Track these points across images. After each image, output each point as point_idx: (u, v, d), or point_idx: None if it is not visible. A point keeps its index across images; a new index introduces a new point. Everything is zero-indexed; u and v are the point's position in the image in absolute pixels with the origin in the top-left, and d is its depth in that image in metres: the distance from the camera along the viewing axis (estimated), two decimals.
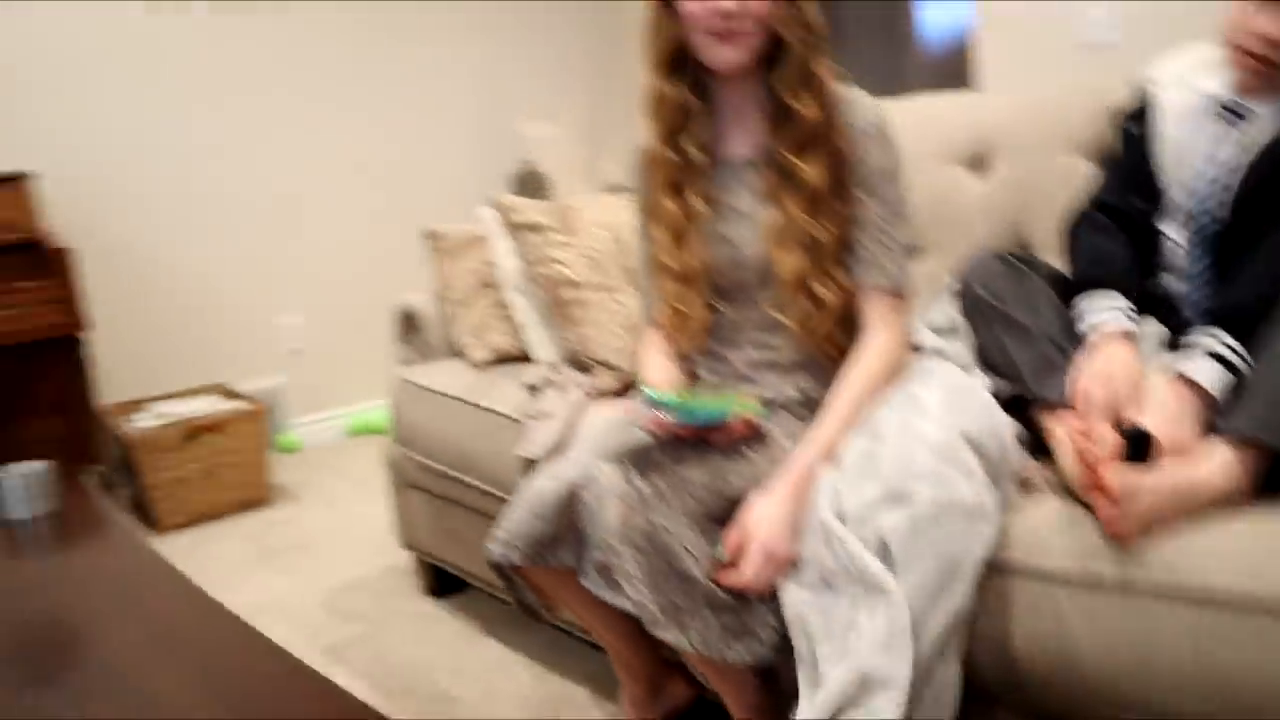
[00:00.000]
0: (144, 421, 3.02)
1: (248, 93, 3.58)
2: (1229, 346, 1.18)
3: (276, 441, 3.72)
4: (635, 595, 1.19)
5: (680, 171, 1.50)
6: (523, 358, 2.14)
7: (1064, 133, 1.89)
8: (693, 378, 1.58)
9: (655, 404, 1.29)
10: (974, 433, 1.19)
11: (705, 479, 1.31)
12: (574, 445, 1.39)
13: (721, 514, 1.31)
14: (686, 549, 1.24)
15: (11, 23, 3.06)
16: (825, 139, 1.41)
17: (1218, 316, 1.23)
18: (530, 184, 4.21)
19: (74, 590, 1.23)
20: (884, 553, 1.14)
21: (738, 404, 1.34)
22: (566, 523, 1.27)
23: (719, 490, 1.32)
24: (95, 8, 3.22)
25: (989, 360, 1.36)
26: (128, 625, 1.14)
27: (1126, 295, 1.34)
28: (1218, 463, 1.10)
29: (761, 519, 1.27)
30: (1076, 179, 1.81)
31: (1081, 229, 1.47)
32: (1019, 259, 1.43)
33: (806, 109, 1.40)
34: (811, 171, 1.40)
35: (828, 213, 1.42)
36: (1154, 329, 1.37)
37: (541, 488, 1.29)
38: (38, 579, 1.27)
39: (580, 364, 1.95)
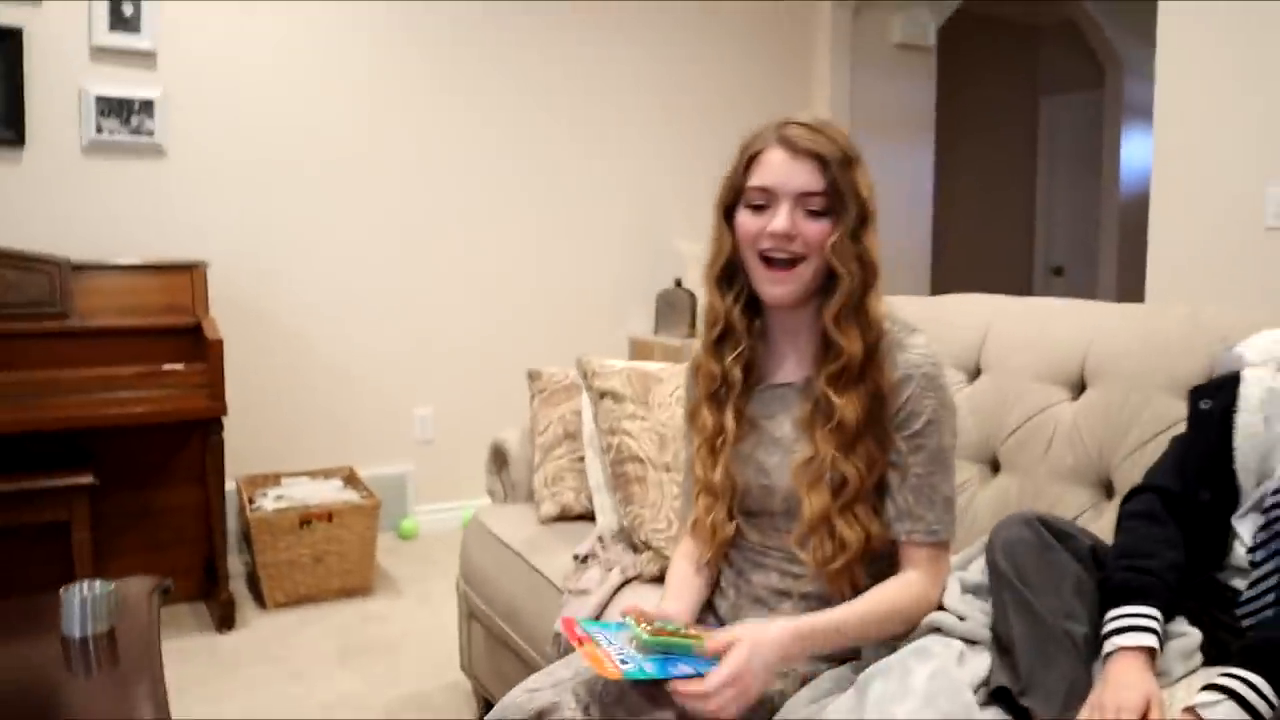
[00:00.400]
0: (268, 501, 3.23)
1: (404, 200, 3.83)
2: (1255, 689, 1.07)
3: (398, 526, 3.89)
4: None
5: (719, 385, 1.51)
6: (588, 517, 2.17)
7: (1170, 370, 1.78)
8: (716, 587, 1.56)
9: (636, 641, 1.28)
10: None
11: None
12: (559, 664, 1.39)
13: None
14: None
15: (190, 127, 3.41)
16: (865, 377, 1.39)
17: (1258, 649, 1.12)
18: (676, 303, 4.28)
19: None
20: None
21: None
22: None
23: None
24: (266, 116, 3.55)
25: (997, 631, 1.29)
26: None
27: (1161, 599, 1.24)
28: None
29: (757, 635, 1.26)
30: (1171, 422, 1.70)
31: (1130, 514, 1.37)
32: (1053, 529, 1.34)
33: (850, 343, 1.38)
34: (847, 408, 1.38)
35: (860, 452, 1.39)
36: (1192, 640, 1.25)
37: (515, 701, 1.31)
38: (30, 700, 1.38)
39: (631, 542, 1.96)
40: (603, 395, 2.11)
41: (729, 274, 1.48)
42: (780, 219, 1.38)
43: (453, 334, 3.98)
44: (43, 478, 2.65)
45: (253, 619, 3.08)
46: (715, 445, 1.50)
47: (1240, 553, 1.31)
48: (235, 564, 3.42)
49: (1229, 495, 1.30)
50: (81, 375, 2.77)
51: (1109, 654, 1.20)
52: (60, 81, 3.19)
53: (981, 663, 1.27)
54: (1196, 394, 1.40)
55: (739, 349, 1.49)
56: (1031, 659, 1.22)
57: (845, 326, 1.39)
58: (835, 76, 4.77)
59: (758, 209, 1.41)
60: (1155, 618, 1.21)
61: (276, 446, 3.62)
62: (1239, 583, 1.31)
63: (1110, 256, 6.14)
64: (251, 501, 3.26)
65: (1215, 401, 1.35)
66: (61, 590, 1.60)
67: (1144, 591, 1.23)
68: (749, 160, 1.44)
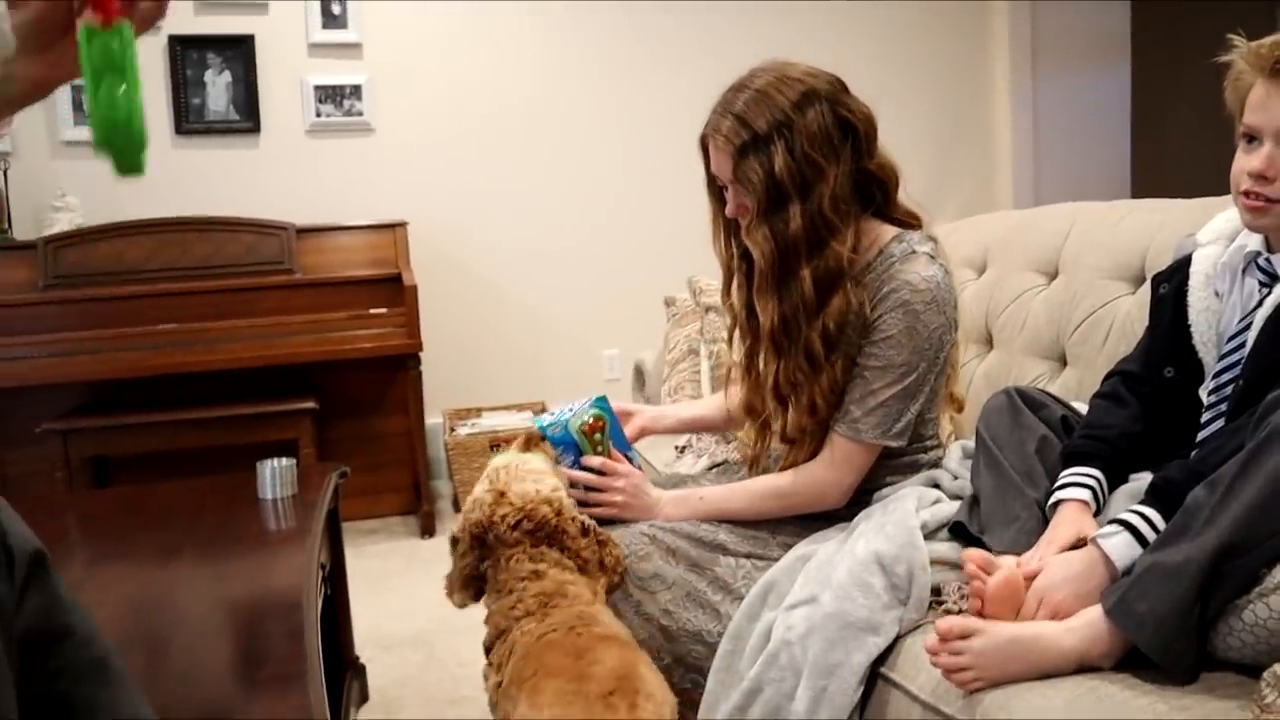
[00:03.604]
0: (465, 429, 3.71)
1: (589, 157, 4.19)
2: (1149, 522, 1.19)
3: None
4: None
5: (733, 323, 1.72)
6: None
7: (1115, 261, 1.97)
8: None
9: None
10: (887, 556, 1.32)
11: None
12: None
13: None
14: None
15: (393, 106, 3.91)
16: (795, 338, 1.53)
17: (1156, 487, 1.23)
18: None
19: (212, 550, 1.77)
20: (790, 646, 1.32)
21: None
22: None
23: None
24: (457, 91, 4.00)
25: (973, 482, 1.44)
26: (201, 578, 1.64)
27: (1104, 461, 1.35)
28: (1077, 625, 1.14)
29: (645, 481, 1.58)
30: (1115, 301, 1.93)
31: (1097, 394, 1.47)
32: (1028, 399, 1.48)
33: (764, 316, 1.54)
34: (768, 371, 1.57)
35: (800, 402, 1.56)
36: (1142, 484, 1.35)
37: None
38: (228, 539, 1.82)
39: (723, 435, 2.21)
40: (708, 310, 2.36)
41: (725, 232, 1.66)
42: (730, 204, 1.56)
43: (637, 280, 4.29)
44: (275, 403, 3.22)
45: (451, 529, 3.54)
46: (739, 374, 1.72)
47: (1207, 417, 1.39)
48: (446, 485, 3.94)
49: (1194, 370, 1.38)
50: (303, 320, 3.32)
51: (1053, 504, 1.35)
52: (285, 75, 3.78)
53: (951, 508, 1.45)
54: (1155, 280, 1.47)
55: (741, 290, 1.66)
56: (992, 504, 1.39)
57: (761, 300, 1.54)
58: (1014, 5, 4.70)
59: (722, 188, 1.59)
60: (1094, 476, 1.34)
61: (479, 384, 4.10)
62: None
63: None
64: (453, 429, 3.74)
65: (1170, 285, 1.42)
66: (258, 463, 2.05)
67: (1088, 455, 1.37)
68: (703, 147, 1.61)
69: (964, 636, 1.15)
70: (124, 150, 0.74)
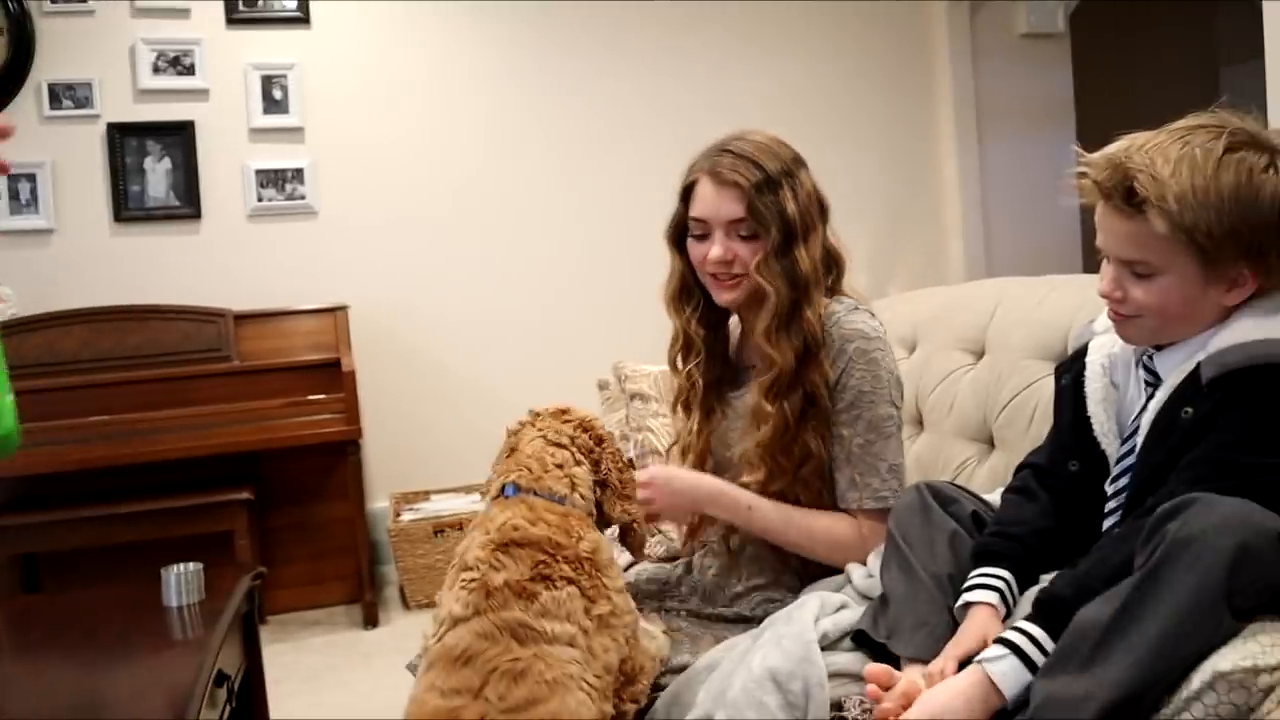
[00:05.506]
0: (408, 514, 3.62)
1: (525, 236, 4.15)
2: (1036, 642, 1.13)
3: None
4: None
5: (684, 394, 1.68)
6: None
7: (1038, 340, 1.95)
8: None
9: None
10: (781, 672, 1.25)
11: None
12: None
13: None
14: None
15: (335, 188, 3.89)
16: (801, 381, 1.51)
17: (1043, 603, 1.17)
18: None
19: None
20: None
21: None
22: None
23: None
24: (397, 173, 3.98)
25: (882, 583, 1.39)
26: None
27: (1012, 561, 1.30)
28: None
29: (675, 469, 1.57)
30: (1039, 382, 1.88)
31: (1007, 489, 1.43)
32: (939, 494, 1.43)
33: (781, 355, 1.52)
34: (776, 415, 1.52)
35: (792, 450, 1.53)
36: None
37: None
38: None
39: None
40: (633, 397, 2.32)
41: (685, 292, 1.65)
42: (716, 248, 1.53)
43: (586, 357, 4.21)
44: (210, 494, 3.13)
45: (396, 618, 3.46)
46: (685, 446, 1.68)
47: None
48: (394, 571, 3.83)
49: (1099, 463, 1.33)
50: (241, 408, 3.25)
51: (961, 605, 1.29)
52: (226, 160, 3.75)
53: (855, 615, 1.39)
54: (1057, 371, 1.45)
55: (698, 358, 1.65)
56: (902, 608, 1.33)
57: (776, 340, 1.52)
58: (957, 74, 4.73)
59: (699, 237, 1.57)
60: (1002, 577, 1.29)
61: (428, 466, 4.01)
62: None
63: None
64: (398, 515, 3.66)
65: (1069, 375, 1.39)
66: (162, 570, 1.97)
67: (997, 554, 1.31)
68: (686, 191, 1.60)
69: None
70: None
